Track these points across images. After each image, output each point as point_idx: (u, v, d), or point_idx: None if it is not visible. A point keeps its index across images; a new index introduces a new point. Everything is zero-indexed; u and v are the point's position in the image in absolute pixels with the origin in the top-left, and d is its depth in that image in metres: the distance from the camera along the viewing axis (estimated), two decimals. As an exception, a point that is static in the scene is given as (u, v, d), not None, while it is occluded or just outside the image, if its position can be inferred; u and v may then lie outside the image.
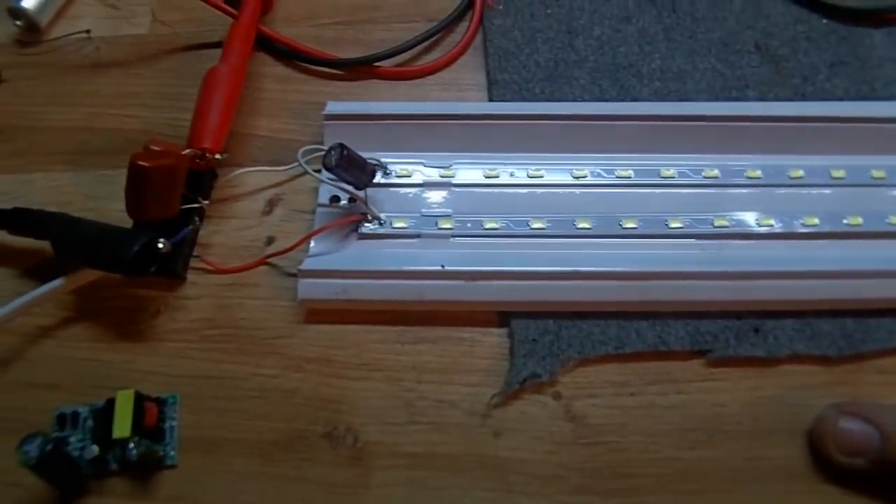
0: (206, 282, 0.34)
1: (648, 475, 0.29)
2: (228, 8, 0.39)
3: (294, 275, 0.32)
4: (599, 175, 0.35)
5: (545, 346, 0.31)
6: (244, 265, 0.33)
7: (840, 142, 0.35)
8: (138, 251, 0.30)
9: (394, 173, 0.35)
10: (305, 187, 0.36)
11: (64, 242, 0.32)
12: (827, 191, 0.35)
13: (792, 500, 0.29)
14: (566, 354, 0.31)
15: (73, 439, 0.30)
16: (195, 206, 0.34)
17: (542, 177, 0.35)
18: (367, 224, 0.33)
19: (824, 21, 0.40)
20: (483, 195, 0.34)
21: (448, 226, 0.33)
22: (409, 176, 0.35)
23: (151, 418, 0.30)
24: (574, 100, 0.37)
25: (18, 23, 0.41)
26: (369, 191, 0.33)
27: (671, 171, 0.34)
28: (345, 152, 0.31)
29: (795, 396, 0.30)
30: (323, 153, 0.31)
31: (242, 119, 0.38)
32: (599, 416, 0.30)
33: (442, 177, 0.35)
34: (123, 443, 0.28)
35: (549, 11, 0.40)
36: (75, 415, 0.30)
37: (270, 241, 0.34)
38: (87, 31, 0.41)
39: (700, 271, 0.32)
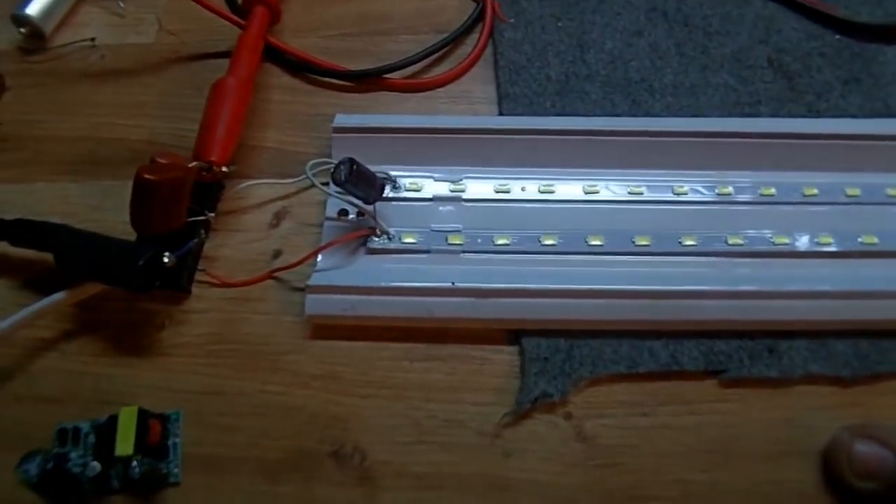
0: (212, 295, 0.33)
1: (660, 497, 0.29)
2: (236, 18, 0.39)
3: (301, 289, 0.32)
4: (612, 191, 0.34)
5: (556, 364, 0.31)
6: (250, 279, 0.33)
7: (855, 159, 0.35)
8: (143, 265, 0.30)
9: (403, 187, 0.34)
10: (313, 200, 0.35)
11: (67, 255, 0.31)
12: (841, 209, 0.34)
13: (805, 523, 0.28)
14: (578, 373, 0.30)
15: (74, 455, 0.29)
16: (201, 218, 0.33)
17: (553, 192, 0.34)
18: (375, 238, 0.33)
19: (837, 37, 0.40)
20: (494, 210, 0.34)
21: (458, 241, 0.33)
22: (419, 190, 0.34)
23: (155, 435, 0.29)
24: (585, 114, 0.37)
25: (23, 30, 0.41)
26: (378, 205, 0.33)
27: (684, 188, 0.34)
28: (354, 167, 0.30)
29: (809, 418, 0.30)
30: (331, 166, 0.31)
31: (250, 131, 0.37)
32: (611, 437, 0.30)
33: (452, 191, 0.34)
34: (126, 461, 0.28)
35: (560, 25, 0.40)
36: (76, 430, 0.30)
37: (277, 254, 0.34)
38: (92, 40, 0.41)
39: (714, 290, 0.31)
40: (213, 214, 0.34)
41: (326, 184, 0.32)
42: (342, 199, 0.33)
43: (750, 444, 0.30)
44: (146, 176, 0.29)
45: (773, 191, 0.34)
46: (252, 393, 0.31)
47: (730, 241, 0.33)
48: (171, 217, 0.31)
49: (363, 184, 0.31)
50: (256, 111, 0.38)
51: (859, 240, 0.33)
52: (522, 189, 0.34)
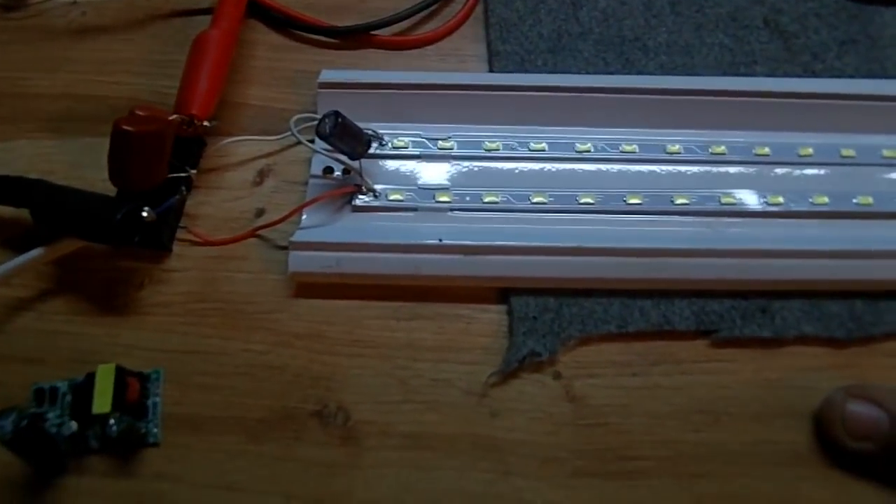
0: (193, 254, 0.32)
1: (650, 458, 0.28)
2: (220, -28, 0.38)
3: (285, 247, 0.31)
4: (603, 150, 0.33)
5: (545, 323, 0.30)
6: (233, 237, 0.32)
7: (851, 120, 0.34)
8: (121, 219, 0.29)
9: (390, 144, 0.33)
10: (298, 158, 0.34)
11: (44, 210, 0.30)
12: (836, 169, 0.33)
13: (797, 483, 0.28)
14: (567, 333, 0.30)
15: (51, 415, 0.29)
16: (182, 175, 0.33)
17: (543, 150, 0.33)
18: (361, 196, 0.32)
19: (834, -2, 0.39)
20: (483, 168, 0.33)
21: (446, 199, 0.32)
22: (406, 147, 0.33)
23: (133, 394, 0.28)
24: (577, 73, 0.36)
25: (2, -14, 0.40)
26: (364, 162, 0.32)
27: (677, 147, 0.33)
28: (340, 120, 0.30)
29: (802, 379, 0.30)
30: (316, 122, 0.30)
31: (233, 88, 0.36)
32: (601, 397, 0.29)
33: (440, 149, 0.33)
34: (103, 419, 0.27)
35: (552, -19, 0.39)
36: (54, 390, 0.29)
37: (260, 212, 0.33)
38: (73, -5, 0.40)
39: (706, 249, 0.31)
40: (194, 171, 0.33)
41: (312, 140, 0.31)
42: (328, 156, 0.32)
43: (742, 404, 0.29)
44: (124, 127, 0.29)
45: (767, 150, 0.33)
46: (234, 352, 0.30)
47: (723, 201, 0.32)
48: (150, 172, 0.30)
49: (349, 138, 0.30)
50: (240, 68, 0.37)
51: (854, 200, 0.32)
52: (512, 147, 0.33)
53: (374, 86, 0.34)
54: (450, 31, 0.38)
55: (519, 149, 0.33)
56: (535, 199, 0.32)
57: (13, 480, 0.28)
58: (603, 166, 0.33)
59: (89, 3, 0.40)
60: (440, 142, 0.34)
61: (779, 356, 0.30)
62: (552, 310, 0.30)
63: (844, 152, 0.34)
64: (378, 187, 0.32)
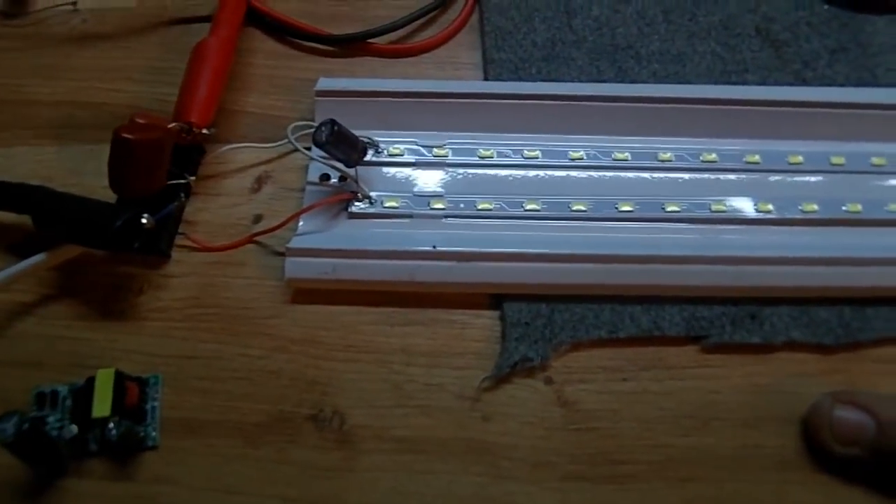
0: (192, 260, 0.33)
1: (641, 462, 0.29)
2: (219, -19, 0.38)
3: (282, 254, 0.32)
4: (596, 157, 0.34)
5: (537, 329, 0.30)
6: (231, 243, 0.33)
7: (840, 128, 0.35)
8: (121, 225, 0.29)
9: (386, 152, 0.34)
10: (295, 165, 0.35)
11: (45, 217, 0.31)
12: (826, 177, 0.34)
13: (786, 488, 0.28)
14: (559, 338, 0.30)
15: (51, 419, 0.29)
16: (181, 181, 0.33)
17: (537, 158, 0.34)
18: (357, 203, 0.33)
19: (826, 7, 0.39)
20: (477, 175, 0.34)
21: (441, 206, 0.33)
22: (402, 155, 0.34)
23: (132, 398, 0.29)
24: (571, 80, 0.36)
25: (3, -6, 0.40)
26: (360, 169, 0.33)
27: (669, 155, 0.34)
28: (336, 128, 0.30)
29: (791, 384, 0.30)
30: (313, 130, 0.31)
31: (232, 95, 0.37)
32: (592, 402, 0.30)
33: (435, 156, 0.34)
34: (103, 422, 0.28)
35: (547, -10, 0.39)
36: (54, 394, 0.29)
37: (258, 219, 0.34)
38: (74, 3, 0.40)
39: (696, 256, 0.31)
40: (193, 178, 0.34)
41: (308, 148, 0.32)
42: (324, 163, 0.32)
43: (731, 409, 0.30)
44: (124, 135, 0.29)
45: (757, 158, 0.34)
46: (231, 357, 0.31)
47: (713, 208, 0.33)
48: (150, 178, 0.31)
49: (345, 146, 0.31)
50: (239, 75, 0.37)
51: (843, 208, 0.33)
52: (506, 154, 0.34)
53: (370, 94, 0.34)
54: (446, 40, 0.38)
55: (513, 156, 0.34)
56: (529, 207, 0.32)
57: (14, 483, 0.28)
58: (595, 174, 0.34)
59: (90, 11, 0.40)
60: (435, 149, 0.34)
61: (768, 362, 0.31)
62: (544, 316, 0.31)
63: (834, 160, 0.34)
64: (374, 194, 0.33)
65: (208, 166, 0.35)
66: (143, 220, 0.30)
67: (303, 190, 0.34)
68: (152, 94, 0.37)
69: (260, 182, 0.35)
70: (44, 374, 0.30)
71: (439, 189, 0.33)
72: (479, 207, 0.32)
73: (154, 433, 0.29)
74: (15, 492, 0.28)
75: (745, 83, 0.37)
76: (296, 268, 0.31)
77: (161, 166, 0.31)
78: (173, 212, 0.33)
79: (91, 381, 0.29)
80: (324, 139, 0.30)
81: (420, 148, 0.34)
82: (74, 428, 0.28)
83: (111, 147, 0.29)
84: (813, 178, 0.34)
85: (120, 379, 0.29)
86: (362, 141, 0.32)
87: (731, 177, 0.34)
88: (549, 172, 0.34)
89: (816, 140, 0.35)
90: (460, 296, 0.32)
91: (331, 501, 0.28)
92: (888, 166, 0.34)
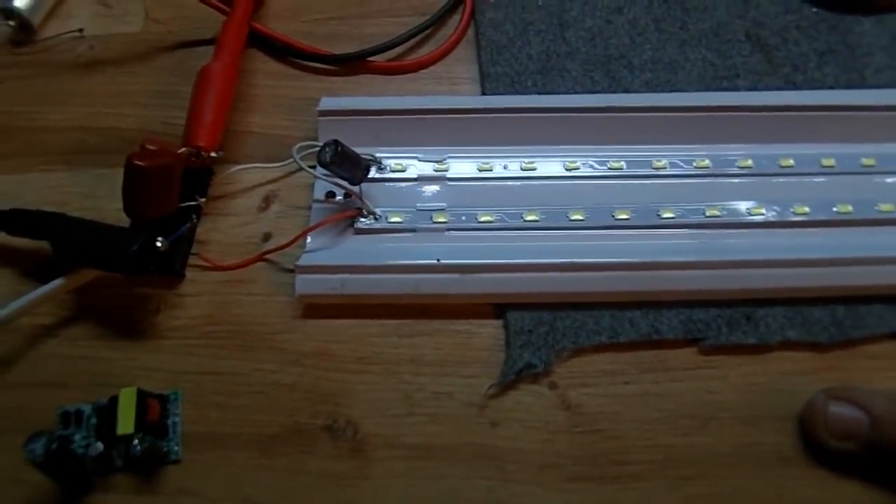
0: (205, 279, 0.34)
1: (643, 462, 0.30)
2: (220, 5, 0.39)
3: (291, 270, 0.33)
4: (592, 167, 0.35)
5: (540, 336, 0.31)
6: (242, 262, 0.34)
7: (830, 130, 0.35)
8: (137, 250, 0.30)
9: (388, 168, 0.35)
10: (301, 183, 0.36)
11: (63, 243, 0.32)
12: (817, 179, 0.35)
13: (784, 483, 0.29)
14: (561, 345, 0.31)
15: (77, 437, 0.30)
16: (192, 203, 0.34)
17: (535, 169, 0.35)
18: (362, 219, 0.34)
19: (814, 10, 0.40)
20: (477, 188, 0.35)
21: (443, 219, 0.34)
22: (404, 170, 0.35)
23: (154, 414, 0.30)
24: (566, 92, 0.37)
25: (11, 23, 0.41)
26: (364, 186, 0.34)
27: (663, 162, 0.35)
28: (339, 148, 0.31)
29: (787, 382, 0.31)
30: (317, 149, 0.32)
31: (237, 116, 0.38)
32: (594, 405, 0.31)
33: (436, 171, 0.35)
34: (127, 439, 0.29)
35: (540, 4, 0.40)
36: (79, 413, 0.31)
37: (267, 237, 0.35)
38: (80, 31, 0.41)
39: (692, 261, 0.32)
40: (203, 199, 0.35)
41: (313, 166, 0.33)
42: (329, 182, 0.34)
43: (729, 408, 0.31)
44: (136, 162, 0.30)
45: (749, 163, 0.35)
46: (247, 372, 0.32)
47: (708, 213, 0.34)
48: (162, 202, 0.32)
49: (348, 165, 0.32)
50: (243, 96, 0.38)
51: (834, 209, 0.34)
52: (505, 167, 0.35)
53: (371, 112, 0.35)
54: (443, 55, 0.39)
55: (511, 168, 0.35)
56: (528, 218, 0.33)
57: (44, 500, 0.29)
58: (592, 183, 0.35)
59: (96, 38, 0.41)
60: (436, 164, 0.35)
61: (764, 361, 0.32)
62: (546, 323, 0.32)
63: (825, 162, 0.35)
64: (378, 210, 0.34)
65: (217, 187, 0.36)
66: (158, 244, 0.31)
67: (309, 208, 0.35)
68: (160, 118, 0.38)
69: (267, 201, 0.36)
70: (67, 393, 0.31)
71: (441, 203, 0.34)
72: (481, 220, 0.33)
73: (176, 447, 0.30)
74: (45, 509, 0.29)
75: (736, 89, 0.37)
76: (306, 284, 0.32)
77: (173, 190, 0.32)
78: (186, 233, 0.34)
79: (114, 400, 0.30)
80: (328, 159, 0.31)
81: (421, 163, 0.35)
82: (100, 445, 0.29)
83: (124, 174, 0.30)
84: (804, 181, 0.35)
85: (142, 397, 0.30)
86: (365, 159, 0.33)
87: (725, 181, 0.35)
88: (547, 183, 0.35)
89: (807, 143, 0.35)
90: (465, 306, 0.33)
91: (347, 509, 0.29)
92: (878, 166, 0.35)
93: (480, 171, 0.35)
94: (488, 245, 0.33)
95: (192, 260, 0.34)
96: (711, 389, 0.31)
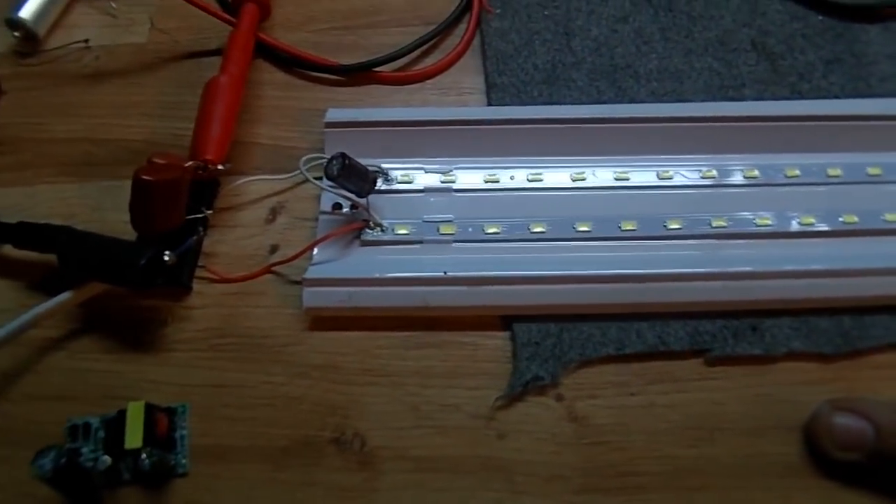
0: (212, 291, 0.34)
1: (650, 473, 0.30)
2: (226, 16, 0.39)
3: (299, 282, 0.33)
4: (598, 177, 0.35)
5: (547, 348, 0.32)
6: (249, 274, 0.34)
7: (836, 140, 0.36)
8: (145, 264, 0.31)
9: (395, 180, 0.35)
10: (308, 195, 0.36)
11: (70, 256, 0.32)
12: (823, 189, 0.35)
13: (790, 494, 0.29)
14: (568, 357, 0.31)
15: (85, 450, 0.30)
16: (199, 216, 0.34)
17: (541, 180, 0.35)
18: (369, 231, 0.34)
19: (820, 18, 0.40)
20: (484, 199, 0.35)
21: (450, 231, 0.34)
22: (411, 182, 0.35)
23: (162, 428, 0.30)
24: (572, 102, 0.37)
25: (17, 34, 0.41)
26: (371, 198, 0.34)
27: (669, 173, 0.35)
28: (346, 161, 0.31)
29: (792, 393, 0.31)
30: (324, 161, 0.32)
31: (244, 127, 0.38)
32: (601, 417, 0.31)
33: (442, 182, 0.35)
34: (136, 453, 0.29)
35: (546, 13, 0.40)
36: (87, 426, 0.31)
37: (274, 249, 0.35)
38: (86, 41, 0.41)
39: (699, 272, 0.32)
40: (210, 212, 0.35)
41: (320, 178, 0.33)
42: (336, 194, 0.34)
43: (735, 419, 0.31)
44: (143, 177, 0.30)
45: (756, 173, 0.35)
46: (255, 384, 0.32)
47: (714, 224, 0.34)
48: (170, 216, 0.32)
49: (355, 177, 0.32)
50: (250, 107, 0.39)
51: (840, 219, 0.34)
52: (511, 178, 0.35)
53: (377, 124, 0.36)
54: (448, 66, 0.39)
55: (517, 179, 0.35)
56: (535, 229, 0.34)
57: (54, 514, 0.30)
58: (598, 194, 0.35)
59: (102, 48, 0.41)
60: (442, 175, 0.35)
61: (770, 372, 0.32)
62: (553, 335, 0.32)
63: (831, 172, 0.35)
64: (385, 222, 0.34)
65: (224, 199, 0.36)
66: (166, 258, 0.31)
67: (316, 219, 0.35)
68: (166, 129, 0.38)
69: (274, 213, 0.36)
70: (76, 406, 0.31)
71: (448, 214, 0.34)
72: (487, 231, 0.34)
73: (184, 461, 0.30)
74: (54, 523, 0.29)
75: (742, 98, 0.37)
76: (313, 297, 0.32)
77: (180, 203, 0.32)
78: (193, 245, 0.34)
79: (122, 414, 0.30)
80: (335, 173, 0.31)
81: (427, 174, 0.35)
82: (108, 459, 0.29)
83: (132, 189, 0.31)
84: (810, 190, 0.35)
85: (150, 411, 0.30)
86: (372, 171, 0.33)
87: (731, 192, 0.35)
88: (554, 194, 0.35)
89: (813, 152, 0.35)
90: (472, 318, 0.33)
91: (355, 521, 0.29)
92: (884, 176, 0.35)
93: (487, 182, 0.35)
94: (495, 257, 0.33)
95: (199, 272, 0.34)
96: (718, 400, 0.31)
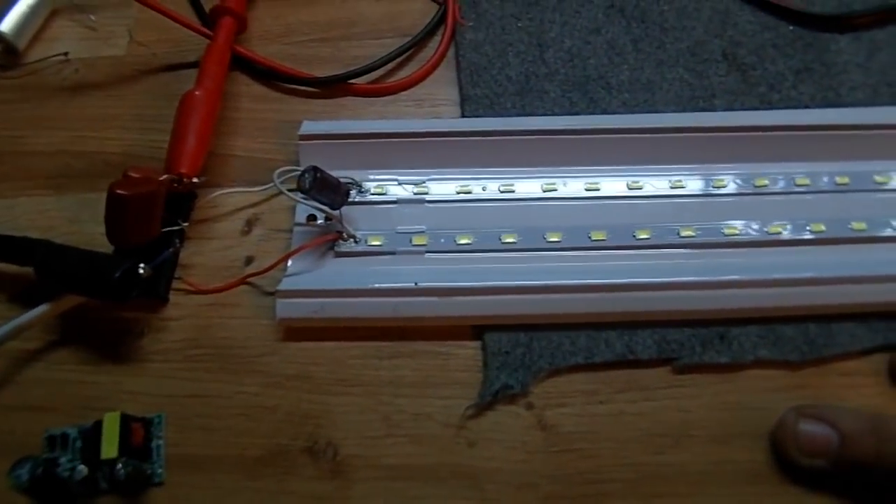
0: (189, 302, 0.34)
1: (617, 480, 0.30)
2: (204, 29, 0.39)
3: (273, 294, 0.33)
4: (569, 188, 0.35)
5: (517, 357, 0.32)
6: (224, 285, 0.34)
7: (804, 149, 0.36)
8: (120, 277, 0.31)
9: (369, 191, 0.36)
10: (283, 206, 0.36)
11: (47, 269, 0.32)
12: (791, 198, 0.35)
13: (756, 501, 0.30)
14: (538, 366, 0.32)
15: (63, 460, 0.31)
16: (176, 228, 0.35)
17: (513, 191, 0.35)
18: (342, 242, 0.34)
19: (791, 28, 0.40)
20: (456, 210, 0.35)
21: (422, 242, 0.34)
22: (384, 193, 0.35)
23: (138, 438, 0.31)
24: (545, 113, 0.38)
25: (-4, 47, 0.41)
26: (345, 209, 0.34)
27: (639, 183, 0.35)
28: (318, 175, 0.32)
29: (759, 401, 0.32)
30: (298, 173, 0.32)
31: (220, 139, 0.38)
32: (570, 425, 0.31)
33: (416, 193, 0.35)
34: (111, 463, 0.29)
35: (520, 25, 0.41)
36: (65, 436, 0.31)
37: (250, 260, 0.35)
38: (66, 54, 0.42)
39: (667, 282, 0.32)
40: (186, 224, 0.35)
41: (294, 191, 0.33)
42: (310, 205, 0.34)
43: (703, 426, 0.31)
44: (118, 191, 0.31)
45: (724, 182, 0.35)
46: (230, 394, 0.32)
47: (682, 234, 0.34)
48: (145, 229, 0.32)
49: (328, 190, 0.32)
50: (226, 119, 0.39)
51: (807, 228, 0.34)
52: (483, 189, 0.35)
53: (351, 136, 0.36)
54: (423, 77, 0.40)
55: (489, 190, 0.35)
56: (506, 240, 0.34)
57: (30, 524, 0.30)
58: (569, 204, 0.35)
59: (81, 61, 0.42)
60: (415, 187, 0.36)
61: (737, 380, 0.32)
62: (523, 344, 0.32)
63: (798, 181, 0.36)
64: (358, 233, 0.34)
65: (200, 211, 0.36)
66: (141, 271, 0.31)
67: (291, 231, 0.35)
68: (143, 142, 0.39)
69: (250, 225, 0.36)
70: (54, 417, 0.32)
71: (420, 226, 0.35)
72: (459, 242, 0.34)
73: (160, 470, 0.31)
74: (31, 533, 0.30)
75: (712, 108, 0.38)
76: (286, 309, 0.33)
77: (155, 217, 0.33)
78: (169, 257, 0.34)
79: (98, 425, 0.30)
80: (307, 186, 0.31)
81: (401, 186, 0.36)
82: (84, 469, 0.30)
83: (107, 203, 0.31)
84: (778, 200, 0.35)
85: (125, 421, 0.30)
86: (345, 183, 0.34)
87: (700, 202, 0.35)
88: (525, 204, 0.35)
89: (781, 162, 0.36)
90: (443, 328, 0.33)
91: (327, 530, 0.30)
92: (851, 185, 0.35)
93: (459, 193, 0.35)
94: (466, 267, 0.34)
95: (175, 284, 0.35)
96: (685, 408, 0.32)
